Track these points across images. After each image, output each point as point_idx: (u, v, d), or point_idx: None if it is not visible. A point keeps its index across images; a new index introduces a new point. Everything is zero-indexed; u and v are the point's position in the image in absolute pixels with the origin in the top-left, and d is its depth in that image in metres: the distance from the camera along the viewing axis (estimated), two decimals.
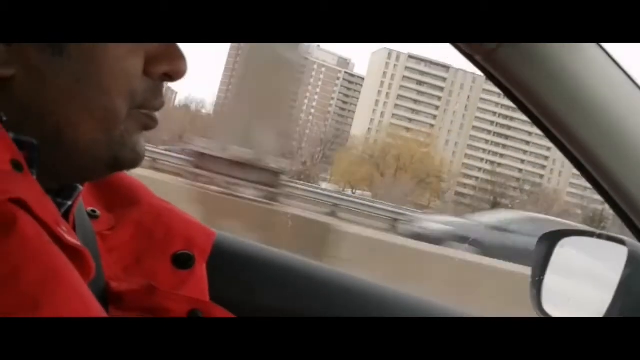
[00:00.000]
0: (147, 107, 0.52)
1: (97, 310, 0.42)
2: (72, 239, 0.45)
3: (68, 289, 0.41)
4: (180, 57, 0.53)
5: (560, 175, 51.75)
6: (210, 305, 0.58)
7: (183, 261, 0.63)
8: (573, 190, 48.63)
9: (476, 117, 56.07)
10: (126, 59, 0.49)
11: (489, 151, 55.23)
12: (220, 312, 0.58)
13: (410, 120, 56.43)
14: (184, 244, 0.64)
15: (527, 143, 53.20)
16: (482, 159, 54.34)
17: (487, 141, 55.61)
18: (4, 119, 0.47)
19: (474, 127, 55.57)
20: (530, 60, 0.60)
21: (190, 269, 0.63)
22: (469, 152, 55.52)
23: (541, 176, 52.94)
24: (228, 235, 0.77)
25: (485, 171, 51.65)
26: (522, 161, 53.94)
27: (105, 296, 0.57)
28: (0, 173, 0.43)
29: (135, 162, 0.53)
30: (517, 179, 49.61)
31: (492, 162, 53.13)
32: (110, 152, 0.51)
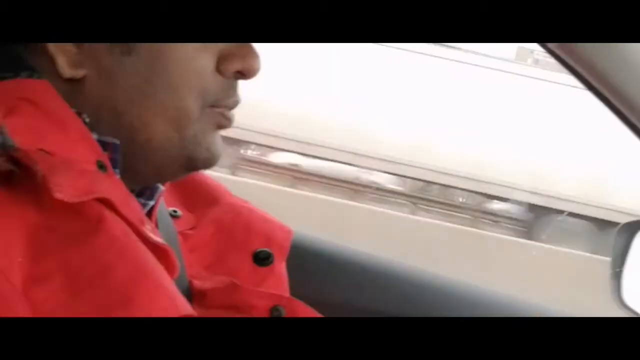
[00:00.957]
0: (220, 105, 0.52)
1: (184, 307, 0.42)
2: (156, 237, 0.45)
3: (157, 286, 0.41)
4: (253, 54, 0.52)
5: None
6: (292, 301, 0.58)
7: (263, 258, 0.63)
8: None
9: None
10: (196, 57, 0.49)
11: None
12: (302, 308, 0.58)
13: None
14: (264, 242, 0.64)
15: None
16: None
17: None
18: (87, 120, 0.49)
19: None
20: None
21: (270, 265, 0.63)
22: None
23: None
24: (305, 233, 0.77)
25: None
26: None
27: (189, 294, 0.57)
28: (86, 173, 0.44)
29: (209, 161, 0.53)
30: None
31: None
32: (184, 152, 0.51)
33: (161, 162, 0.51)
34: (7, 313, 0.37)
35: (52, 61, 0.46)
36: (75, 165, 0.44)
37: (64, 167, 0.42)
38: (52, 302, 0.38)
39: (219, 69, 0.51)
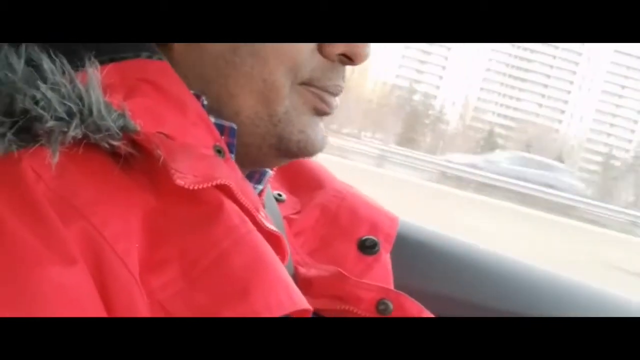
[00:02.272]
0: (316, 85, 0.49)
1: (301, 301, 0.41)
2: (270, 225, 0.44)
3: (275, 278, 0.40)
4: None
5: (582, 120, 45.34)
6: (399, 295, 0.56)
7: (368, 247, 0.61)
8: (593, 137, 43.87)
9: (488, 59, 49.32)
10: None
11: (504, 94, 48.64)
12: (410, 303, 0.56)
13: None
14: (369, 229, 0.62)
15: (545, 86, 47.15)
16: (495, 102, 48.34)
17: (501, 84, 48.99)
18: (205, 103, 0.48)
19: (487, 69, 49.19)
20: None
21: (376, 254, 0.61)
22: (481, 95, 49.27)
23: (560, 121, 46.91)
24: (408, 221, 0.74)
25: (499, 115, 46.08)
26: (540, 105, 47.89)
27: (295, 282, 0.56)
28: (205, 158, 0.43)
29: (305, 146, 0.50)
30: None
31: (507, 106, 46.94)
32: (275, 130, 0.49)
33: (251, 140, 0.49)
34: (125, 301, 0.36)
35: None
36: (195, 150, 0.43)
37: (184, 152, 0.42)
38: (167, 290, 0.38)
39: (321, 49, 0.48)
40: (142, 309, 0.36)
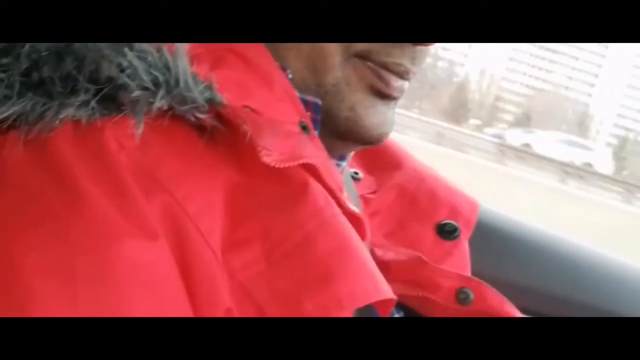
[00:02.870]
0: (373, 59, 0.44)
1: (386, 290, 0.39)
2: (353, 207, 0.42)
3: (360, 265, 0.38)
4: None
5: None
6: (480, 285, 0.53)
7: (448, 231, 0.58)
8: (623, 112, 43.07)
9: None
10: None
11: (534, 65, 47.26)
12: (492, 293, 0.53)
13: None
14: (449, 213, 0.59)
15: (576, 59, 45.98)
16: (524, 73, 47.14)
17: (531, 54, 47.58)
18: (291, 76, 0.44)
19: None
20: None
21: (455, 240, 0.58)
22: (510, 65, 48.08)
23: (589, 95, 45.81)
24: (488, 207, 0.70)
25: (528, 86, 44.95)
26: (570, 78, 46.69)
27: None
28: (292, 136, 0.41)
29: (352, 124, 0.45)
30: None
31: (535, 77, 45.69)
32: (322, 103, 0.45)
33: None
34: (206, 281, 0.34)
35: None
36: (281, 127, 0.40)
37: (271, 128, 0.39)
38: (249, 271, 0.35)
39: None
40: (223, 290, 0.34)
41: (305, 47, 0.44)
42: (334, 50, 0.44)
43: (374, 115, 0.46)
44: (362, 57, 0.44)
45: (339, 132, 0.46)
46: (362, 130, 0.46)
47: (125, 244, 0.31)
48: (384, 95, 0.46)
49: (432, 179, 0.62)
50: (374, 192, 0.60)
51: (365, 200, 0.58)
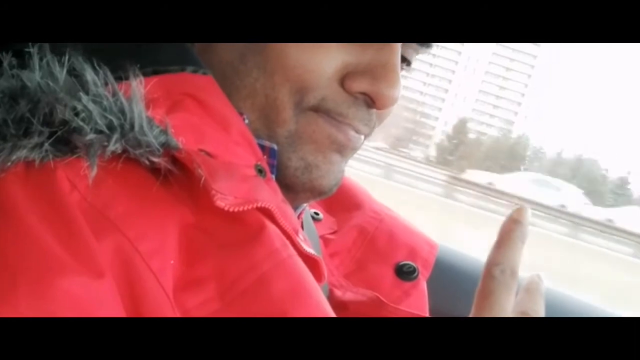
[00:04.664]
0: (327, 113, 0.45)
1: None
2: (309, 249, 0.42)
3: (313, 304, 0.38)
4: (385, 79, 0.45)
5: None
6: None
7: (406, 272, 0.59)
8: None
9: None
10: (307, 51, 0.44)
11: None
12: None
13: None
14: (407, 254, 0.60)
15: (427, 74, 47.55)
16: None
17: None
18: (247, 121, 0.45)
19: None
20: None
21: (414, 280, 0.59)
22: None
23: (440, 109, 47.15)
24: (448, 247, 0.71)
25: None
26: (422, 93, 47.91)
27: (329, 304, 0.54)
28: (247, 179, 0.41)
29: (300, 173, 0.46)
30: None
31: None
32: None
33: None
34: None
35: None
36: (237, 170, 0.41)
37: (226, 171, 0.39)
38: (203, 310, 0.35)
39: (342, 81, 0.45)
40: None
41: (260, 98, 0.45)
42: (286, 102, 0.45)
43: (327, 165, 0.47)
44: (317, 110, 0.46)
45: (288, 185, 0.47)
46: (315, 180, 0.47)
47: (68, 280, 0.31)
48: (339, 146, 0.47)
49: (391, 220, 0.62)
50: (334, 233, 0.61)
51: (325, 241, 0.59)
